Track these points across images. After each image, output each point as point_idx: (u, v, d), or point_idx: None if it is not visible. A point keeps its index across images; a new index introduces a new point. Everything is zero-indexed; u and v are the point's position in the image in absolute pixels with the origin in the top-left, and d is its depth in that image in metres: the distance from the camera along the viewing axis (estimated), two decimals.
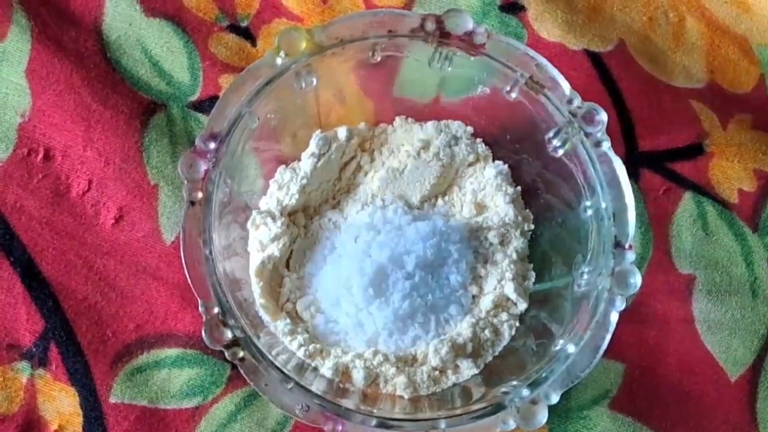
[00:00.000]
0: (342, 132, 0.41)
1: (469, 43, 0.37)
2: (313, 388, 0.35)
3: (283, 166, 0.41)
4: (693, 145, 0.45)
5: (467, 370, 0.38)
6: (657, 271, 0.42)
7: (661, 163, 0.44)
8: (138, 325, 0.40)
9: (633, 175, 0.43)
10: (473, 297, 0.40)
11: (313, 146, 0.40)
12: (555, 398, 0.35)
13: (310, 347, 0.38)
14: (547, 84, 0.37)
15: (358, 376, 0.37)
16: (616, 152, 0.36)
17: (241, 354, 0.34)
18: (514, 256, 0.40)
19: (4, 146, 0.42)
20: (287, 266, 0.40)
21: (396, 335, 0.38)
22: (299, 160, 0.40)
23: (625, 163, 0.37)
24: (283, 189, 0.40)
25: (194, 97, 0.43)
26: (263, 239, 0.39)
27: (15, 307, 0.40)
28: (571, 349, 0.35)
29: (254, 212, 0.39)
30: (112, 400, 0.39)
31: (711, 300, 0.42)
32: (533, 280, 0.40)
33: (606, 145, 0.36)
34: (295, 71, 0.36)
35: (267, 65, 0.36)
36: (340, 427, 0.34)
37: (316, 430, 0.36)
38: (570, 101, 0.36)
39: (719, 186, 0.44)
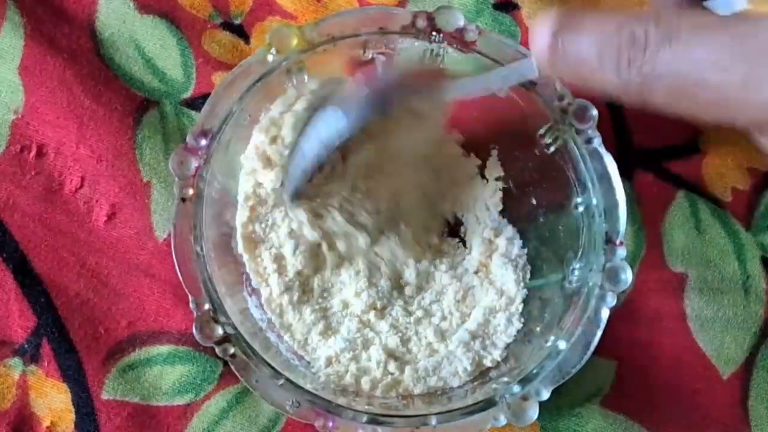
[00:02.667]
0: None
1: (460, 40, 0.37)
2: (304, 384, 0.35)
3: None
4: (687, 144, 0.45)
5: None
6: (649, 269, 0.42)
7: (655, 162, 0.44)
8: (130, 321, 0.40)
9: (626, 174, 0.43)
10: None
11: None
12: (546, 394, 0.35)
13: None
14: (538, 81, 0.37)
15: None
16: (610, 151, 0.37)
17: (231, 350, 0.34)
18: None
19: None
20: None
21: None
22: None
23: (618, 161, 0.37)
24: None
25: (187, 95, 0.43)
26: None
27: (7, 304, 0.40)
28: (562, 345, 0.35)
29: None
30: (104, 396, 0.40)
31: (703, 298, 0.42)
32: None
33: (597, 142, 0.36)
34: (287, 68, 0.37)
35: (258, 62, 0.36)
36: (330, 423, 0.34)
37: (307, 426, 0.36)
38: (561, 98, 0.36)
39: (713, 184, 0.44)
